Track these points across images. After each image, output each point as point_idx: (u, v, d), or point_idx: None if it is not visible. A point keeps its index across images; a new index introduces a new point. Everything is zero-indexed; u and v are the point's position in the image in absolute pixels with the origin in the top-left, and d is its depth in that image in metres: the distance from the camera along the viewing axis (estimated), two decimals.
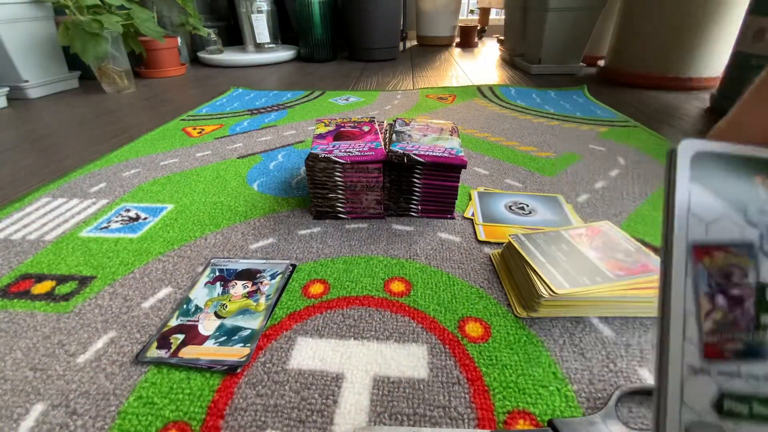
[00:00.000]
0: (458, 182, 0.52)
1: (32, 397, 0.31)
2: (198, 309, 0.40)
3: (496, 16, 2.77)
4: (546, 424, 0.29)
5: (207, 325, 0.38)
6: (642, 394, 0.31)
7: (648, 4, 1.20)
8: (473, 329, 0.37)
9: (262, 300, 0.41)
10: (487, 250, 0.49)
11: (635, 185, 0.64)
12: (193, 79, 1.49)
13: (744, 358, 0.13)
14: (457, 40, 2.33)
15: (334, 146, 0.53)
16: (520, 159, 0.74)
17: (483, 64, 1.74)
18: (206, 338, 0.36)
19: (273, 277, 0.44)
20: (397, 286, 0.43)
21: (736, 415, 0.12)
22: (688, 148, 0.13)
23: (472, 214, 0.56)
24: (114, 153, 0.79)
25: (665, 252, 0.13)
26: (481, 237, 0.51)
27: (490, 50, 2.14)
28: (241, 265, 0.46)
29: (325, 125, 0.62)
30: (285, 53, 1.82)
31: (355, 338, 0.36)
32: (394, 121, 0.65)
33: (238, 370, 0.33)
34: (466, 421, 0.29)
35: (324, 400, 0.31)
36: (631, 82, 1.29)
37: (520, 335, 0.37)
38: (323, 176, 0.52)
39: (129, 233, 0.53)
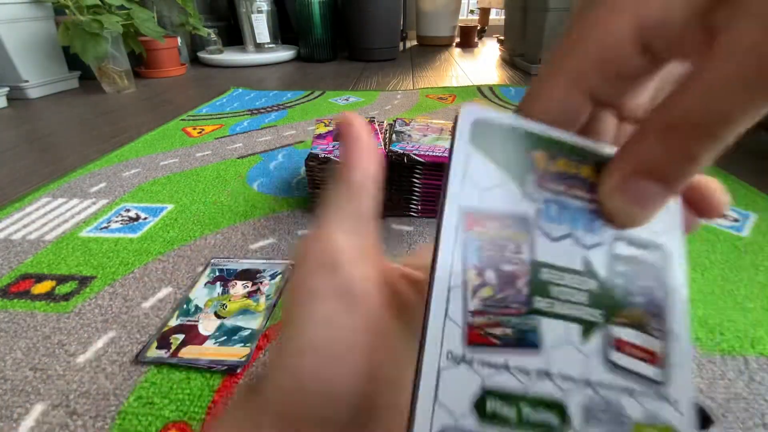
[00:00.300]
0: None
1: (32, 397, 0.31)
2: (198, 309, 0.40)
3: (496, 16, 2.77)
4: None
5: (207, 325, 0.38)
6: None
7: None
8: None
9: (262, 300, 0.41)
10: None
11: None
12: (193, 79, 1.49)
13: (513, 348, 0.11)
14: (457, 40, 2.33)
15: (334, 146, 0.53)
16: None
17: (483, 64, 1.74)
18: (206, 338, 0.36)
19: (273, 277, 0.44)
20: None
21: (501, 419, 0.10)
22: (469, 113, 0.12)
23: None
24: (114, 153, 0.79)
25: (438, 217, 0.11)
26: None
27: (490, 50, 2.14)
28: (241, 265, 0.46)
29: (325, 125, 0.62)
30: (285, 53, 1.82)
31: None
32: (394, 121, 0.65)
33: (238, 370, 0.33)
34: None
35: None
36: None
37: None
38: (323, 176, 0.52)
39: (129, 233, 0.53)
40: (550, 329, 0.11)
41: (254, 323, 0.38)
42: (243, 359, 0.34)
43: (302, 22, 1.75)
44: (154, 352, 0.35)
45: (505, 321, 0.11)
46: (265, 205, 0.59)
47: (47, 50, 1.25)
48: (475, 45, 2.28)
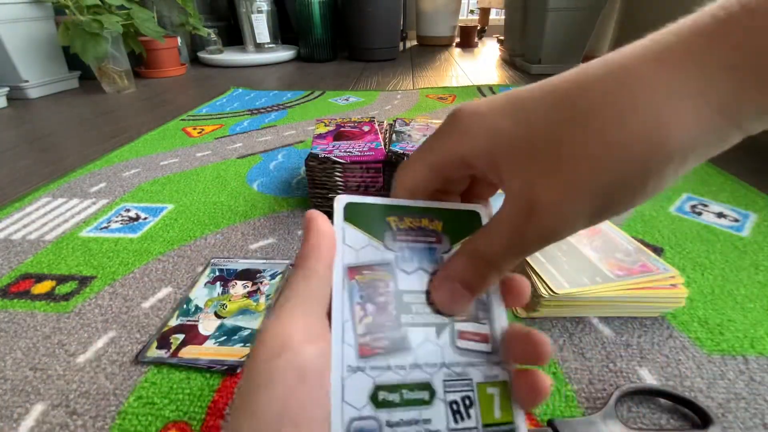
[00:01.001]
0: None
1: (32, 397, 0.31)
2: (198, 309, 0.40)
3: (496, 16, 2.77)
4: (546, 423, 0.29)
5: (207, 325, 0.38)
6: (642, 394, 0.31)
7: (648, 4, 1.20)
8: None
9: (262, 300, 0.41)
10: None
11: None
12: (193, 79, 1.49)
13: (391, 353, 0.16)
14: (457, 40, 2.33)
15: (334, 146, 0.53)
16: None
17: (483, 64, 1.74)
18: (206, 338, 0.36)
19: (273, 277, 0.44)
20: None
21: (389, 404, 0.15)
22: (341, 201, 0.18)
23: None
24: (114, 153, 0.79)
25: (333, 276, 0.17)
26: None
27: (490, 50, 2.13)
28: (241, 265, 0.46)
29: (325, 125, 0.62)
30: (285, 53, 1.82)
31: None
32: (394, 121, 0.65)
33: (239, 370, 0.33)
34: None
35: None
36: None
37: None
38: (323, 176, 0.52)
39: (129, 233, 0.53)
40: (414, 335, 0.17)
41: (254, 323, 0.38)
42: (243, 359, 0.34)
43: (302, 22, 1.75)
44: (154, 352, 0.35)
45: (384, 336, 0.16)
46: (265, 205, 0.59)
47: (47, 50, 1.25)
48: (475, 45, 2.28)
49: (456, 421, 0.16)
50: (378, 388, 0.15)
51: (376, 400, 0.15)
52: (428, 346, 0.17)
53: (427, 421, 0.15)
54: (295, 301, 0.16)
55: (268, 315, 0.17)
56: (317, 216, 0.18)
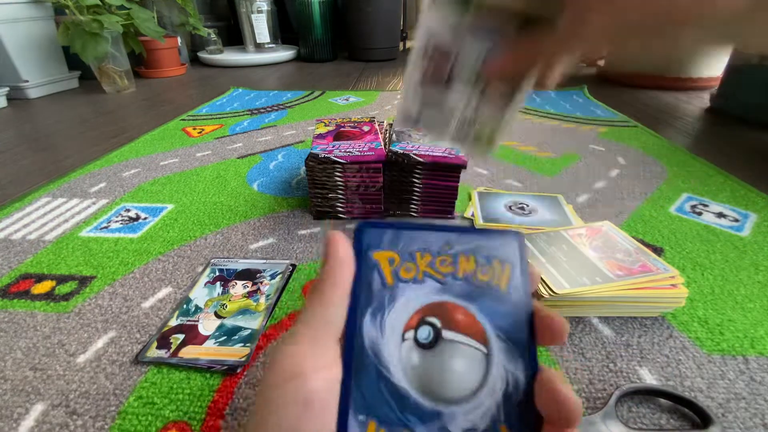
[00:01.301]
0: (458, 182, 0.52)
1: (32, 397, 0.31)
2: (198, 309, 0.40)
3: None
4: None
5: (207, 325, 0.38)
6: (642, 394, 0.31)
7: None
8: None
9: (262, 300, 0.41)
10: None
11: (635, 185, 0.64)
12: (193, 79, 1.49)
13: (439, 86, 0.24)
14: None
15: (334, 146, 0.53)
16: (520, 159, 0.74)
17: None
18: (206, 338, 0.36)
19: (273, 277, 0.44)
20: None
21: (428, 105, 0.25)
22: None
23: (472, 214, 0.56)
24: (114, 153, 0.79)
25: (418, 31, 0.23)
26: None
27: None
28: (241, 265, 0.46)
29: (325, 125, 0.62)
30: (285, 53, 1.82)
31: None
32: (394, 121, 0.65)
33: (238, 370, 0.33)
34: None
35: None
36: (631, 82, 1.29)
37: None
38: (323, 176, 0.52)
39: (129, 233, 0.53)
40: (457, 80, 0.24)
41: (254, 323, 0.38)
42: (243, 359, 0.34)
43: (302, 22, 1.75)
44: (154, 352, 0.35)
45: (439, 77, 0.24)
46: (265, 205, 0.59)
47: (47, 50, 1.25)
48: None
49: (460, 127, 0.25)
50: (425, 99, 0.25)
51: (422, 103, 0.25)
52: (464, 88, 0.24)
53: (443, 121, 0.25)
54: (307, 327, 0.16)
55: (280, 338, 0.17)
56: (338, 240, 0.17)
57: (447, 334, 0.17)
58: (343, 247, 0.17)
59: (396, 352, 0.17)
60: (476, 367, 0.17)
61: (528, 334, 0.17)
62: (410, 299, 0.17)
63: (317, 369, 0.15)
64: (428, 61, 0.23)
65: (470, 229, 0.19)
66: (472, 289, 0.18)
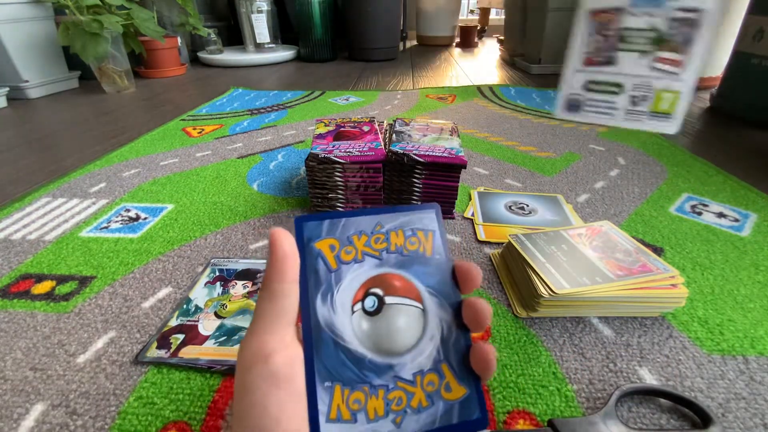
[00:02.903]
0: (458, 182, 0.52)
1: (32, 397, 0.31)
2: (198, 309, 0.40)
3: (496, 16, 2.77)
4: (546, 424, 0.29)
5: (207, 325, 0.38)
6: (642, 394, 0.31)
7: None
8: None
9: None
10: (487, 250, 0.49)
11: (635, 185, 0.64)
12: (193, 79, 1.49)
13: (604, 65, 0.26)
14: (457, 40, 2.33)
15: (334, 146, 0.53)
16: (520, 159, 0.74)
17: (483, 64, 1.74)
18: (206, 338, 0.36)
19: None
20: None
21: (593, 90, 0.28)
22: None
23: (472, 214, 0.56)
24: (114, 153, 0.79)
25: (576, 14, 0.26)
26: (481, 237, 0.51)
27: (490, 50, 2.13)
28: (241, 265, 0.46)
29: (325, 125, 0.62)
30: (285, 53, 1.82)
31: None
32: (394, 121, 0.65)
33: None
34: None
35: None
36: None
37: (520, 335, 0.37)
38: (323, 176, 0.52)
39: (129, 233, 0.53)
40: (623, 55, 0.26)
41: None
42: None
43: (302, 22, 1.75)
44: (154, 352, 0.35)
45: (602, 55, 0.27)
46: (265, 205, 0.59)
47: (47, 50, 1.25)
48: (475, 45, 2.28)
49: (632, 105, 0.28)
50: (589, 82, 0.29)
51: (587, 88, 0.28)
52: (630, 61, 0.26)
53: (613, 102, 0.28)
54: (262, 320, 0.18)
55: (244, 336, 0.19)
56: (281, 236, 0.19)
57: (389, 299, 0.20)
58: (287, 243, 0.19)
59: (348, 323, 0.19)
60: (416, 322, 0.20)
61: (452, 286, 0.21)
62: (354, 277, 0.20)
63: (277, 350, 0.17)
64: (592, 40, 0.24)
65: (395, 208, 0.22)
66: (404, 258, 0.21)
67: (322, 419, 0.17)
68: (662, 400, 0.31)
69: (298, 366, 0.18)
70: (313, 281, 0.20)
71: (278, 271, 0.18)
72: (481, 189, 0.63)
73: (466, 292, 0.21)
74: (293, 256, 0.19)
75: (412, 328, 0.20)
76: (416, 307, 0.20)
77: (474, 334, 0.21)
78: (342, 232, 0.21)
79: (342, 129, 0.60)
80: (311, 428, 0.17)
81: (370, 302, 0.20)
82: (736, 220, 0.54)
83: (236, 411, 0.17)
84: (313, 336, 0.19)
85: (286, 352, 0.18)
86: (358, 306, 0.20)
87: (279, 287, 0.18)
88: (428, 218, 0.22)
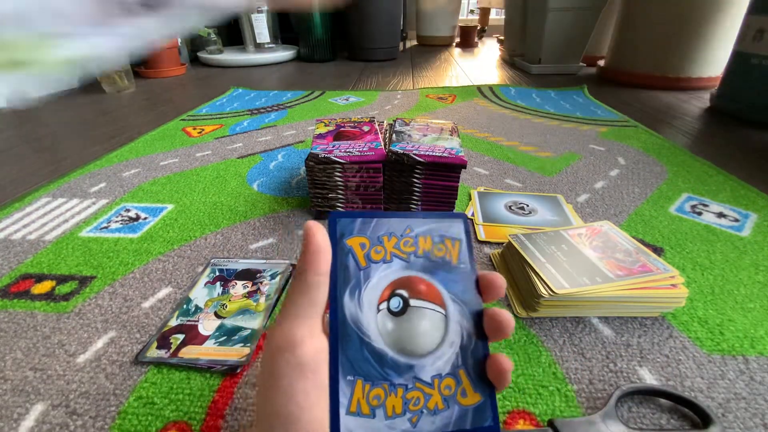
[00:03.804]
0: (458, 182, 0.52)
1: (32, 397, 0.31)
2: (198, 309, 0.40)
3: (496, 16, 2.77)
4: (546, 424, 0.29)
5: (207, 325, 0.38)
6: (642, 394, 0.31)
7: (648, 4, 1.20)
8: None
9: (262, 300, 0.41)
10: (487, 250, 0.49)
11: (635, 185, 0.64)
12: (193, 79, 1.49)
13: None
14: (457, 40, 2.33)
15: (334, 146, 0.53)
16: (520, 159, 0.74)
17: (483, 64, 1.74)
18: (206, 338, 0.36)
19: (273, 277, 0.44)
20: None
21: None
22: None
23: (472, 214, 0.56)
24: (114, 153, 0.79)
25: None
26: (481, 237, 0.51)
27: (490, 50, 2.13)
28: (241, 265, 0.46)
29: (325, 125, 0.62)
30: (285, 53, 1.82)
31: None
32: (394, 121, 0.65)
33: (238, 371, 0.33)
34: None
35: None
36: (631, 82, 1.29)
37: (520, 335, 0.37)
38: (323, 176, 0.52)
39: (129, 233, 0.53)
40: None
41: (254, 323, 0.38)
42: (243, 359, 0.34)
43: (302, 22, 1.75)
44: (154, 352, 0.35)
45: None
46: (265, 205, 0.59)
47: None
48: (475, 45, 2.28)
49: None
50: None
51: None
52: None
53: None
54: (294, 310, 0.19)
55: (274, 321, 0.20)
56: (315, 230, 0.19)
57: (413, 302, 0.21)
58: (321, 236, 0.19)
59: (373, 321, 0.20)
60: (438, 326, 0.20)
61: (475, 295, 0.21)
62: (381, 277, 0.21)
63: (305, 340, 0.18)
64: None
65: (425, 214, 0.22)
66: (430, 263, 0.21)
67: (342, 411, 0.18)
68: (662, 400, 0.31)
69: (323, 357, 0.18)
70: (342, 276, 0.20)
71: (312, 263, 0.19)
72: (481, 189, 0.63)
73: (488, 302, 0.22)
74: (326, 249, 0.19)
75: (434, 332, 0.20)
76: (439, 312, 0.21)
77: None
78: (373, 232, 0.21)
79: (342, 129, 0.60)
80: (331, 419, 0.18)
81: (395, 303, 0.20)
82: (736, 220, 0.54)
83: (262, 395, 0.18)
84: (339, 330, 0.19)
85: (313, 342, 0.18)
86: (384, 305, 0.20)
87: (312, 278, 0.19)
88: (456, 227, 0.23)
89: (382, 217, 0.22)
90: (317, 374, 0.18)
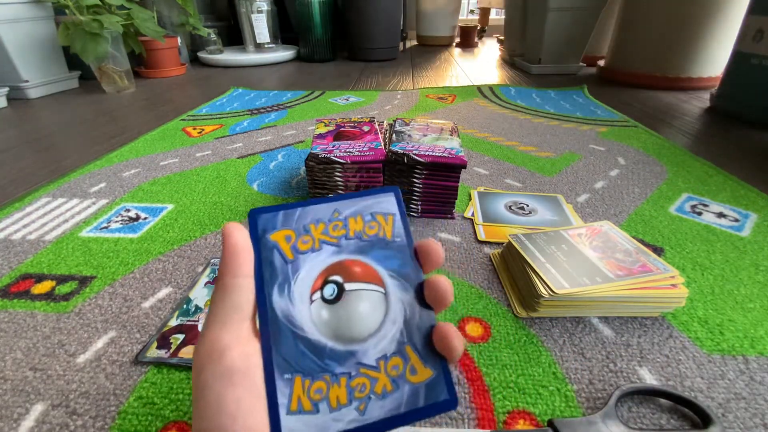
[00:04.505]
0: (458, 182, 0.52)
1: (32, 397, 0.31)
2: (198, 309, 0.40)
3: (496, 16, 2.77)
4: (546, 424, 0.29)
5: None
6: (642, 394, 0.31)
7: (648, 4, 1.20)
8: (473, 329, 0.37)
9: None
10: (487, 250, 0.49)
11: (635, 185, 0.64)
12: (193, 79, 1.49)
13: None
14: (457, 40, 2.33)
15: (334, 146, 0.53)
16: (520, 159, 0.74)
17: (483, 64, 1.74)
18: None
19: None
20: None
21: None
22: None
23: (472, 214, 0.56)
24: (114, 153, 0.79)
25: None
26: (481, 237, 0.51)
27: (490, 50, 2.14)
28: None
29: (325, 125, 0.62)
30: (285, 53, 1.82)
31: None
32: (394, 121, 0.65)
33: None
34: (466, 421, 0.29)
35: None
36: (631, 82, 1.29)
37: (520, 335, 0.37)
38: (323, 176, 0.52)
39: (129, 233, 0.53)
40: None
41: None
42: None
43: (302, 22, 1.75)
44: (154, 352, 0.35)
45: None
46: (265, 205, 0.59)
47: (47, 50, 1.25)
48: (475, 45, 2.28)
49: None
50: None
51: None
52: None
53: None
54: (215, 316, 0.18)
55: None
56: (232, 230, 0.19)
57: (349, 285, 0.20)
58: (238, 236, 0.19)
59: (307, 313, 0.19)
60: (378, 306, 0.20)
61: (414, 267, 0.21)
62: (312, 266, 0.20)
63: (231, 345, 0.17)
64: None
65: (353, 194, 0.22)
66: (363, 244, 0.21)
67: (282, 411, 0.17)
68: (662, 400, 0.31)
69: (255, 361, 0.17)
70: (268, 273, 0.19)
71: (231, 266, 0.18)
72: (481, 189, 0.63)
73: (429, 271, 0.21)
74: (246, 249, 0.19)
75: (374, 312, 0.20)
76: (378, 291, 0.20)
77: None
78: (298, 222, 0.21)
79: (342, 129, 0.60)
80: (271, 422, 0.17)
81: (329, 290, 0.20)
82: (736, 220, 0.54)
83: (194, 411, 0.17)
84: (270, 329, 0.19)
85: (241, 348, 0.17)
86: (317, 295, 0.20)
87: (232, 282, 0.18)
88: (388, 202, 0.22)
89: (306, 206, 0.21)
90: (249, 379, 0.17)
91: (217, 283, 0.18)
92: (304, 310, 0.19)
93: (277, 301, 0.19)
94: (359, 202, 0.22)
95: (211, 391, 0.16)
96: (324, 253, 0.20)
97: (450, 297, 0.20)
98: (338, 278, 0.20)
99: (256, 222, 0.20)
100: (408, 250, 0.21)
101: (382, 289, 0.20)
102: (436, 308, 0.20)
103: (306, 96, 1.19)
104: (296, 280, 0.20)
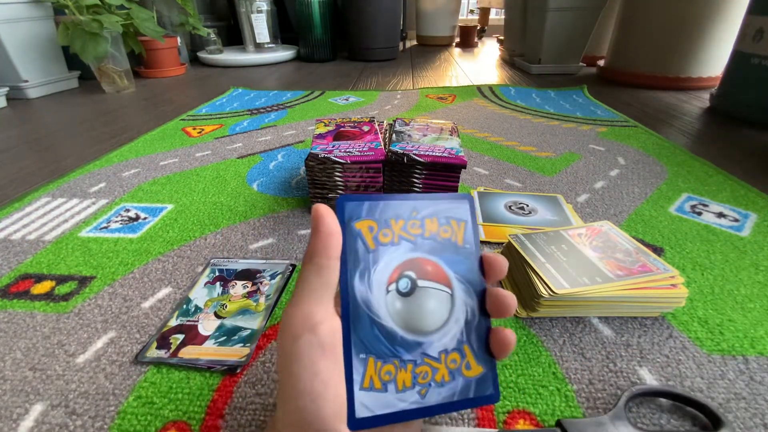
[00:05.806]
0: (458, 182, 0.52)
1: (32, 397, 0.31)
2: (198, 309, 0.40)
3: (496, 16, 2.77)
4: (555, 424, 0.29)
5: (207, 325, 0.38)
6: (651, 395, 0.31)
7: (648, 4, 1.20)
8: None
9: (262, 300, 0.41)
10: (487, 250, 0.49)
11: (635, 185, 0.64)
12: (193, 79, 1.49)
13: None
14: (457, 40, 2.33)
15: (334, 146, 0.53)
16: (520, 159, 0.74)
17: (483, 64, 1.74)
18: (206, 338, 0.36)
19: (273, 277, 0.44)
20: None
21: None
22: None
23: None
24: (114, 153, 0.79)
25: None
26: (481, 237, 0.51)
27: (490, 50, 2.13)
28: (240, 265, 0.46)
29: (325, 125, 0.62)
30: (285, 53, 1.82)
31: None
32: (394, 121, 0.65)
33: (238, 371, 0.33)
34: (466, 420, 0.29)
35: None
36: (631, 82, 1.29)
37: (520, 335, 0.37)
38: (323, 176, 0.52)
39: (129, 233, 0.53)
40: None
41: (254, 323, 0.38)
42: (243, 359, 0.34)
43: (302, 22, 1.75)
44: (153, 352, 0.35)
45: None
46: (265, 205, 0.59)
47: (47, 50, 1.25)
48: (475, 45, 2.28)
49: None
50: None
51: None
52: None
53: None
54: (309, 291, 0.19)
55: (288, 303, 0.20)
56: (325, 213, 0.20)
57: (421, 282, 0.21)
58: (331, 220, 0.20)
59: (383, 302, 0.21)
60: (444, 305, 0.22)
61: (479, 274, 0.23)
62: (390, 259, 0.21)
63: (323, 321, 0.19)
64: None
65: (431, 196, 0.23)
66: (436, 245, 0.22)
67: (356, 387, 0.19)
68: (672, 402, 0.31)
69: (339, 337, 0.19)
70: (352, 259, 0.21)
71: (323, 247, 0.19)
72: (481, 189, 0.63)
73: (491, 281, 0.23)
74: (337, 233, 0.20)
75: (441, 310, 0.21)
76: (445, 291, 0.22)
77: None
78: (381, 215, 0.22)
79: (342, 129, 0.60)
80: (347, 395, 0.19)
81: (404, 284, 0.21)
82: (736, 220, 0.54)
83: (286, 376, 0.18)
84: (351, 311, 0.20)
85: (330, 323, 0.19)
86: (393, 286, 0.21)
87: (325, 261, 0.19)
88: (461, 208, 0.23)
89: (389, 200, 0.22)
90: (335, 352, 0.18)
91: (308, 261, 0.19)
92: (381, 298, 0.21)
93: (358, 286, 0.21)
94: (436, 204, 0.23)
95: (309, 358, 0.18)
96: (402, 248, 0.22)
97: (512, 310, 0.22)
98: (412, 274, 0.21)
99: (343, 208, 0.21)
100: (475, 258, 0.23)
101: (449, 290, 0.22)
102: (495, 317, 0.22)
103: (306, 96, 1.19)
104: (376, 270, 0.21)
